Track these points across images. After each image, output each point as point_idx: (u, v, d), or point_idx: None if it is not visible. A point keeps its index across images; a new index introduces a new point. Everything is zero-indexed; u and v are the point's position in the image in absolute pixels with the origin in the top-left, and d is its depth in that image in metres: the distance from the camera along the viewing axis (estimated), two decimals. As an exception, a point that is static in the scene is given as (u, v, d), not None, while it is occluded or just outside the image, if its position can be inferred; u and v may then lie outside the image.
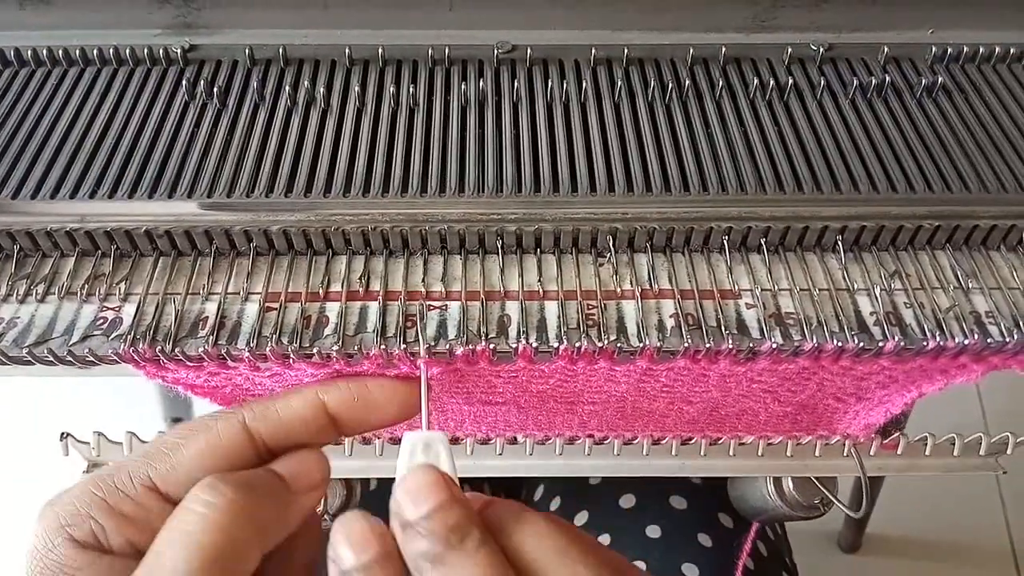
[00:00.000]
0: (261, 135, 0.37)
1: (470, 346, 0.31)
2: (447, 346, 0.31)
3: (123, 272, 0.33)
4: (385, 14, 0.43)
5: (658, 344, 0.31)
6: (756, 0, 0.43)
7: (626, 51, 0.41)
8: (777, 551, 0.59)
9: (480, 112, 0.39)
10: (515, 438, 0.44)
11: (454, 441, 0.44)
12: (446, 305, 0.32)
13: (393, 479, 0.26)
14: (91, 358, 0.31)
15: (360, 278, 0.33)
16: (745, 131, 0.38)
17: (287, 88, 0.39)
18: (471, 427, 0.43)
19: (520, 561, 0.25)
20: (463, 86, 0.40)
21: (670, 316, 0.32)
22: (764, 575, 0.55)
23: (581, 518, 0.58)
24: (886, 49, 0.42)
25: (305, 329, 0.31)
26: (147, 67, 0.41)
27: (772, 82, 0.40)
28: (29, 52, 0.41)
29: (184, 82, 0.39)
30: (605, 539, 0.56)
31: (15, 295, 0.32)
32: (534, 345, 0.31)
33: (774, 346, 0.31)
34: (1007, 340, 0.32)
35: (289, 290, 0.33)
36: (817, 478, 0.49)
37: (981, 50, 0.42)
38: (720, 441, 0.44)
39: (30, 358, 0.31)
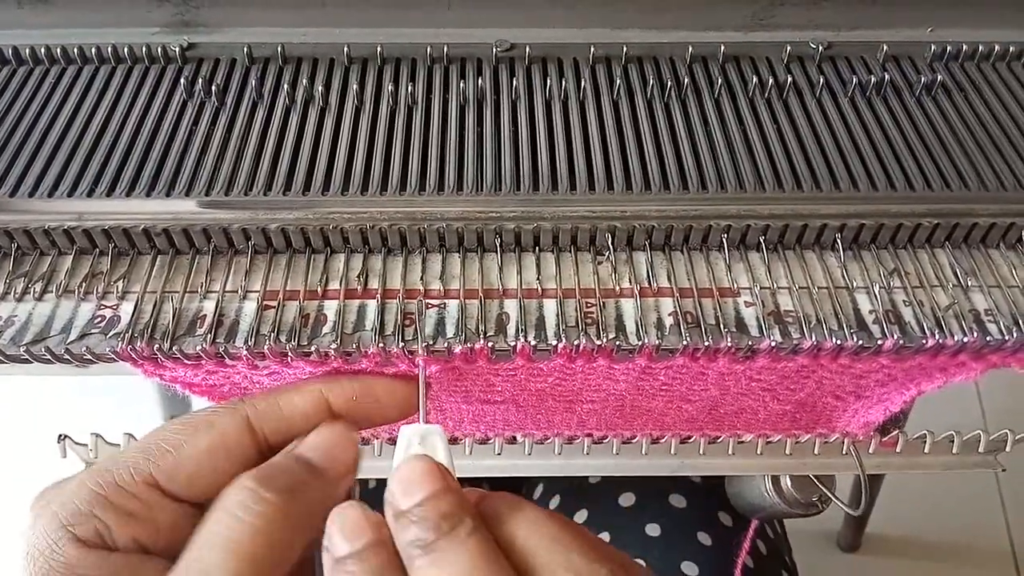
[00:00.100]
0: (259, 133, 0.37)
1: (468, 344, 0.31)
2: (445, 344, 0.31)
3: (121, 270, 0.33)
4: (384, 12, 0.43)
5: (657, 342, 0.31)
6: (755, -2, 0.43)
7: (625, 49, 0.41)
8: (776, 550, 0.59)
9: (479, 110, 0.39)
10: (514, 438, 0.44)
11: (453, 441, 0.44)
12: (444, 303, 0.32)
13: None
14: (89, 356, 0.31)
15: (358, 276, 0.33)
16: (744, 129, 0.38)
17: (285, 86, 0.39)
18: (470, 426, 0.43)
19: (514, 550, 0.24)
20: (462, 84, 0.40)
21: (669, 314, 0.32)
22: (763, 574, 0.55)
23: (580, 517, 0.58)
24: (885, 47, 0.42)
25: (303, 327, 0.31)
26: (145, 65, 0.41)
27: (771, 80, 0.40)
28: (27, 50, 0.40)
29: (182, 80, 0.39)
30: (604, 537, 0.56)
31: (13, 293, 0.32)
32: (532, 343, 0.31)
33: (773, 344, 0.31)
34: (1006, 338, 0.32)
35: (287, 288, 0.33)
36: (815, 476, 0.49)
37: (980, 48, 0.42)
38: (719, 440, 0.44)
39: (28, 356, 0.31)
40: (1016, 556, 1.13)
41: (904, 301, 0.33)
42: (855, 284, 0.33)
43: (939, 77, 0.40)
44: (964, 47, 0.42)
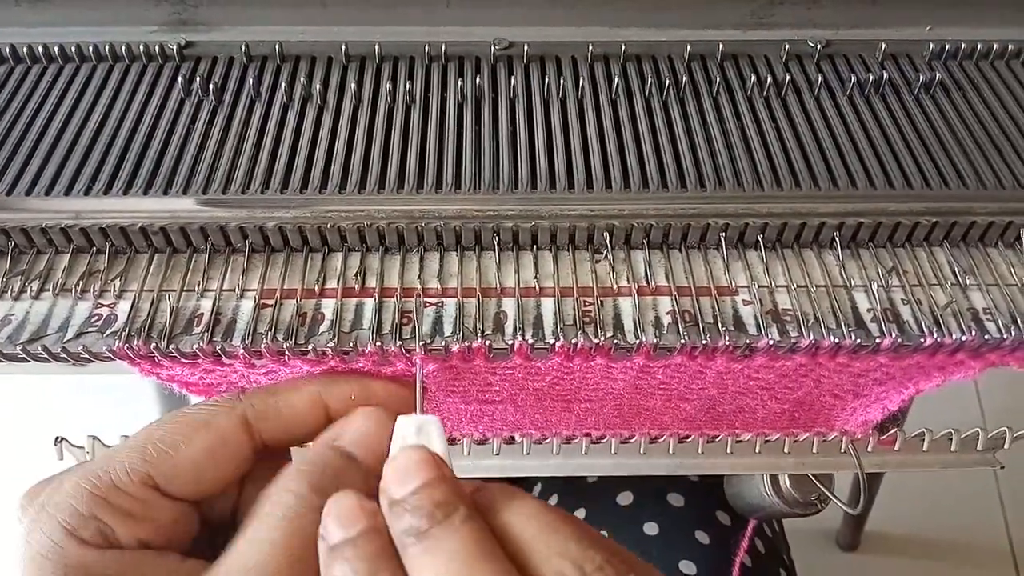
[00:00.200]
0: (257, 132, 0.37)
1: (466, 343, 0.31)
2: (443, 343, 0.31)
3: (118, 269, 0.33)
4: (382, 11, 0.43)
5: (655, 341, 0.31)
6: (754, -3, 0.43)
7: (624, 48, 0.41)
8: (775, 549, 0.59)
9: (477, 109, 0.39)
10: (512, 438, 0.44)
11: (451, 441, 0.44)
12: (442, 302, 0.32)
13: None
14: (86, 355, 0.31)
15: (356, 275, 0.33)
16: (742, 128, 0.38)
17: (283, 85, 0.39)
18: (468, 427, 0.43)
19: (509, 538, 0.24)
20: (460, 83, 0.40)
21: (667, 313, 0.32)
22: (762, 572, 0.55)
23: (578, 516, 0.58)
24: (884, 46, 0.42)
25: (300, 326, 0.31)
26: (143, 64, 0.41)
27: (769, 79, 0.40)
28: (25, 49, 0.40)
29: (180, 78, 0.39)
30: (603, 536, 0.56)
31: (10, 292, 0.32)
32: (530, 342, 0.31)
33: (771, 343, 0.31)
34: (1004, 336, 0.32)
35: (285, 287, 0.32)
36: (814, 475, 0.49)
37: (979, 47, 0.42)
38: (717, 439, 0.44)
39: (25, 355, 0.31)
40: (1015, 554, 1.13)
41: (902, 300, 0.33)
42: (853, 283, 0.33)
43: (937, 76, 0.40)
44: (963, 45, 0.42)
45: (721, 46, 0.42)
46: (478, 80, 0.40)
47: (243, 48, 0.41)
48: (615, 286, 0.33)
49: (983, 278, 0.34)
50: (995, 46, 0.42)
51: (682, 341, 0.31)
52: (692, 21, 0.44)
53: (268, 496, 0.26)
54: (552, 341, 0.31)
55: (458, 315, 0.32)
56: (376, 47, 0.41)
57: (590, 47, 0.41)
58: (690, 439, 0.44)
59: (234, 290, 0.32)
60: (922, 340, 0.31)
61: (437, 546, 0.23)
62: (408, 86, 0.39)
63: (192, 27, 0.43)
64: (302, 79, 0.39)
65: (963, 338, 0.31)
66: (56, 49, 0.40)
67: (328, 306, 0.32)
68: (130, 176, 0.35)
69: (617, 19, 0.44)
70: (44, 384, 1.17)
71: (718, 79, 0.40)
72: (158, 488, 0.26)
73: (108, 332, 0.31)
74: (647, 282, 0.33)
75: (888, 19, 0.44)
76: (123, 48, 0.41)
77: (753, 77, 0.40)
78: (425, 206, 0.33)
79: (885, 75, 0.40)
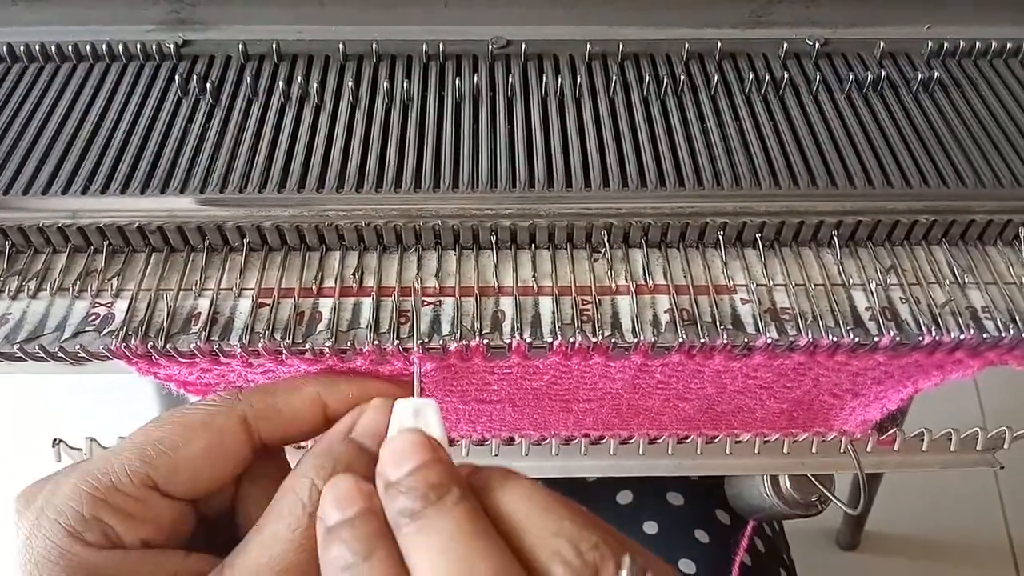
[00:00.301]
0: (254, 130, 0.37)
1: (464, 342, 0.31)
2: (441, 342, 0.31)
3: (115, 268, 0.33)
4: (379, 9, 0.43)
5: (653, 339, 0.31)
6: (752, -4, 0.43)
7: (622, 46, 0.41)
8: (775, 548, 0.59)
9: (475, 107, 0.39)
10: (511, 438, 0.44)
11: (450, 443, 0.44)
12: (440, 301, 0.32)
13: None
14: (83, 354, 0.30)
15: (354, 274, 0.33)
16: (740, 126, 0.38)
17: (280, 83, 0.39)
18: (466, 427, 0.43)
19: (504, 518, 0.24)
20: (457, 81, 0.40)
21: (665, 311, 0.32)
22: (761, 572, 0.55)
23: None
24: (882, 44, 0.42)
25: (298, 325, 0.31)
26: (140, 63, 0.41)
27: (768, 77, 0.40)
28: (22, 48, 0.40)
29: (177, 77, 0.39)
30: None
31: (7, 291, 0.32)
32: (528, 341, 0.31)
33: (769, 341, 0.31)
34: (1003, 335, 0.32)
35: (282, 286, 0.32)
36: (814, 475, 0.49)
37: (977, 45, 0.42)
38: (716, 439, 0.44)
39: (21, 355, 0.31)
40: (1015, 553, 1.13)
41: (901, 298, 0.33)
42: (851, 281, 0.33)
43: (936, 74, 0.40)
44: (961, 44, 0.42)
45: (719, 45, 0.42)
46: (476, 79, 0.40)
47: (240, 47, 0.41)
48: (613, 285, 0.33)
49: (981, 276, 0.34)
50: (993, 44, 0.42)
51: (680, 340, 0.31)
52: (690, 20, 0.44)
53: (284, 489, 0.26)
54: (550, 340, 0.31)
55: (456, 314, 0.32)
56: (374, 46, 0.41)
57: (588, 46, 0.41)
58: (689, 440, 0.44)
59: (231, 289, 0.32)
60: (920, 339, 0.31)
61: (430, 526, 0.23)
62: (406, 85, 0.39)
63: (189, 26, 0.43)
64: (299, 78, 0.39)
65: (961, 336, 0.31)
66: (53, 48, 0.40)
67: (326, 305, 0.32)
68: (127, 175, 0.35)
69: (615, 18, 0.43)
70: (41, 384, 1.17)
71: (716, 78, 0.40)
72: (157, 488, 0.26)
73: (105, 331, 0.31)
74: (645, 281, 0.33)
75: (887, 17, 0.44)
76: (120, 47, 0.41)
77: (751, 76, 0.40)
78: (423, 205, 0.33)
79: (883, 73, 0.40)
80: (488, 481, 0.25)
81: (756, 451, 0.45)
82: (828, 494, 0.48)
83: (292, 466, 0.29)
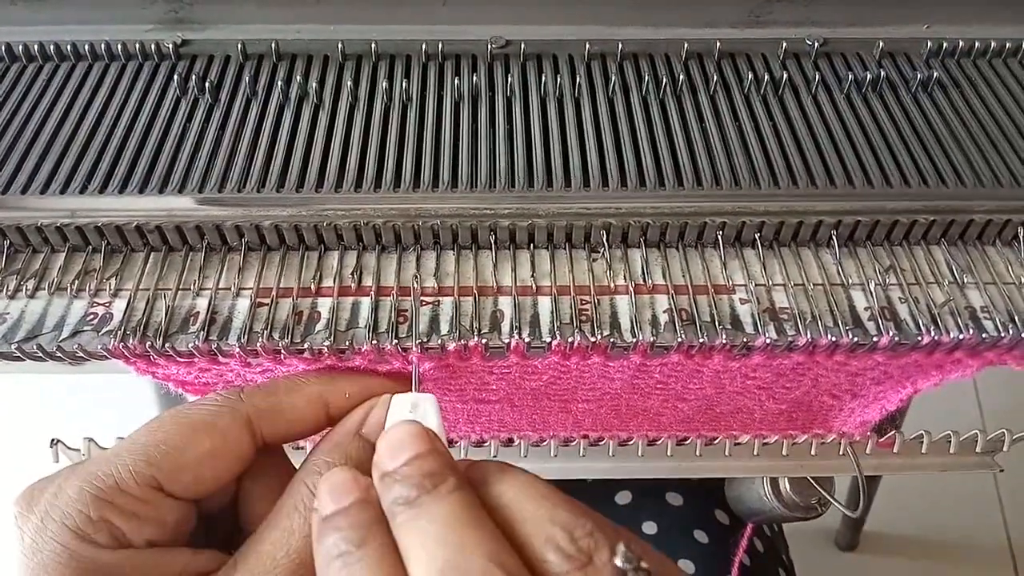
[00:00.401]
0: (253, 130, 0.37)
1: (462, 341, 0.31)
2: (439, 342, 0.31)
3: (113, 267, 0.33)
4: (378, 9, 0.43)
5: (652, 339, 0.31)
6: (751, -5, 0.43)
7: (620, 46, 0.41)
8: (774, 548, 0.59)
9: (473, 107, 0.39)
10: (510, 439, 0.44)
11: (449, 444, 0.44)
12: (439, 300, 0.32)
13: None
14: (81, 354, 0.30)
15: (352, 273, 0.33)
16: (739, 126, 0.38)
17: (279, 83, 0.39)
18: (465, 427, 0.43)
19: (500, 508, 0.24)
20: (456, 81, 0.40)
21: (664, 311, 0.32)
22: (760, 572, 0.55)
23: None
24: (881, 44, 0.42)
25: (296, 325, 0.31)
26: (139, 62, 0.41)
27: (767, 77, 0.40)
28: (20, 47, 0.40)
29: (176, 77, 0.39)
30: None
31: (5, 291, 0.32)
32: (527, 340, 0.31)
33: (768, 341, 0.31)
34: (1002, 335, 0.31)
35: (280, 285, 0.32)
36: (814, 478, 0.48)
37: (976, 45, 0.42)
38: (716, 441, 0.44)
39: (19, 354, 0.30)
40: (1014, 554, 1.13)
41: (900, 298, 0.33)
42: (850, 281, 0.33)
43: (935, 74, 0.40)
44: (960, 43, 0.42)
45: (718, 44, 0.42)
46: (475, 78, 0.40)
47: (239, 46, 0.41)
48: (612, 284, 0.33)
49: (980, 276, 0.34)
50: (993, 44, 0.42)
51: (679, 339, 0.31)
52: (689, 19, 0.43)
53: (295, 484, 0.26)
54: (549, 340, 0.31)
55: (455, 314, 0.32)
56: (372, 45, 0.41)
57: (587, 45, 0.41)
58: (688, 441, 0.44)
59: (230, 289, 0.32)
60: (919, 339, 0.31)
61: (425, 513, 0.23)
62: (404, 84, 0.39)
63: (188, 25, 0.43)
64: (298, 77, 0.39)
65: (960, 336, 0.31)
66: (52, 47, 0.40)
67: (324, 305, 0.32)
68: (126, 174, 0.35)
69: (614, 17, 0.43)
70: (40, 383, 1.17)
71: (715, 77, 0.40)
72: (162, 489, 0.26)
73: (104, 331, 0.31)
74: (644, 280, 0.33)
75: (886, 17, 0.44)
76: (119, 46, 0.41)
77: (750, 75, 0.40)
78: (422, 205, 0.33)
79: (883, 73, 0.40)
80: (485, 474, 0.26)
81: (755, 453, 0.44)
82: (828, 497, 0.48)
83: (292, 462, 0.29)
